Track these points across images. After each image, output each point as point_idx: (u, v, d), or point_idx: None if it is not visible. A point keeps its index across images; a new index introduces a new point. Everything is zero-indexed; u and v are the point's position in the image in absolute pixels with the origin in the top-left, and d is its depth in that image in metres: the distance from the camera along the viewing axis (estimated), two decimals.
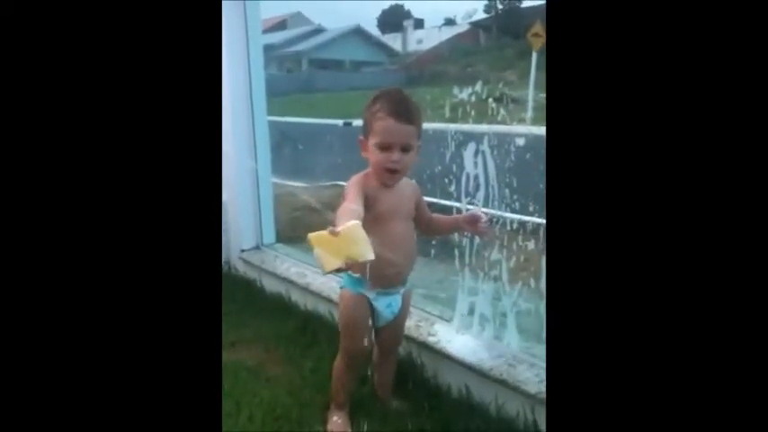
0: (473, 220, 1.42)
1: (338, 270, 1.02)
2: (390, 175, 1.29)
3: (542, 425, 1.34)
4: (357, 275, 1.34)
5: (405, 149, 1.27)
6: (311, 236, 1.00)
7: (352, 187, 1.27)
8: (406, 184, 1.39)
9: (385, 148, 1.26)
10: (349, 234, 1.01)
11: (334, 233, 1.00)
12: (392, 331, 1.46)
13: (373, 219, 1.23)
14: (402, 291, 1.42)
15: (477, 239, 1.53)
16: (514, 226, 1.48)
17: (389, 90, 1.31)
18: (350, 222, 1.03)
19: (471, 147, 1.48)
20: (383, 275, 1.33)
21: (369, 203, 1.27)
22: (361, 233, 1.02)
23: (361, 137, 1.32)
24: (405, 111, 1.26)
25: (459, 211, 1.51)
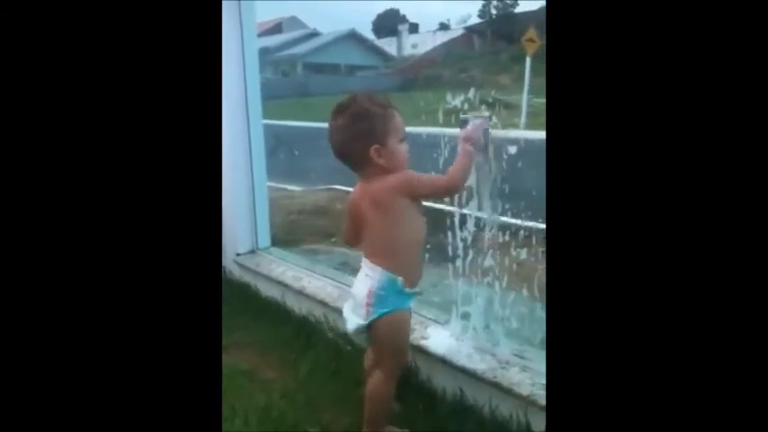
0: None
1: None
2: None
3: (535, 426, 1.35)
4: (408, 290, 1.32)
5: None
6: None
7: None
8: None
9: (403, 139, 1.32)
10: None
11: None
12: None
13: (413, 214, 1.30)
14: None
15: (470, 247, 1.55)
16: (506, 236, 1.50)
17: (366, 93, 1.32)
18: None
19: None
20: (418, 276, 1.36)
21: (404, 207, 1.30)
22: None
23: (377, 146, 1.26)
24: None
25: (451, 218, 1.53)
